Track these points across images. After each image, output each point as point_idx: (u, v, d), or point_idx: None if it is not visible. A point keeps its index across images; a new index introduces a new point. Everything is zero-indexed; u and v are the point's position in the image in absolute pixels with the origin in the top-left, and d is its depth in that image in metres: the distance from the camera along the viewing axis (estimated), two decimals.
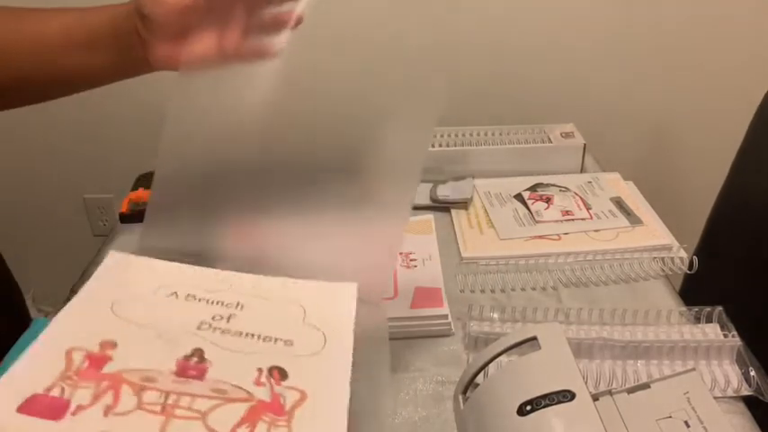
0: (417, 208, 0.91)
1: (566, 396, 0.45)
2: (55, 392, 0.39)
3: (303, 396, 0.43)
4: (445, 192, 0.93)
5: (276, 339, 0.47)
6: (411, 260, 0.78)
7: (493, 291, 0.75)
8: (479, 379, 0.55)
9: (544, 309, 0.69)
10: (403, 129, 0.55)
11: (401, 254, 0.79)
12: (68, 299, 0.60)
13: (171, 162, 0.57)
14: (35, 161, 1.42)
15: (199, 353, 0.44)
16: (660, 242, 0.81)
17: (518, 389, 0.47)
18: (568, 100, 1.29)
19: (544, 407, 0.45)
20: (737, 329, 0.64)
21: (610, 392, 0.55)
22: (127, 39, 0.53)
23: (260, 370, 0.43)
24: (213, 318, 0.48)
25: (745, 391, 0.59)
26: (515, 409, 0.46)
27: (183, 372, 0.42)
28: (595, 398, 0.51)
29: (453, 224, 0.87)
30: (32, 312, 0.89)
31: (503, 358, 0.55)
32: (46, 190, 1.45)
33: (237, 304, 0.50)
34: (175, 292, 0.51)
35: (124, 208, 0.91)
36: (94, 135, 1.38)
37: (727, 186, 0.92)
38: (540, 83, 1.28)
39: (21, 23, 0.56)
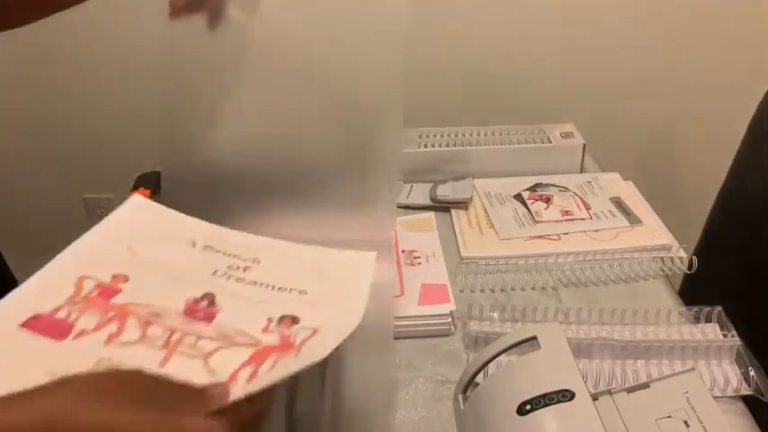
0: (417, 208, 0.91)
1: (565, 396, 0.45)
2: (61, 315, 0.39)
3: (314, 332, 0.41)
4: (445, 192, 0.93)
5: (291, 289, 0.46)
6: (415, 258, 0.78)
7: (493, 290, 0.75)
8: (479, 378, 0.55)
9: (544, 308, 0.69)
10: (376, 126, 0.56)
11: (404, 251, 0.80)
12: None
13: (174, 161, 0.58)
14: (35, 161, 1.42)
15: (209, 297, 0.43)
16: (660, 242, 0.81)
17: (518, 388, 0.47)
18: (568, 100, 1.29)
19: (544, 406, 0.45)
20: (737, 329, 0.64)
21: (609, 392, 0.55)
22: None
23: (269, 319, 0.42)
24: (229, 267, 0.47)
25: (745, 391, 0.59)
26: (515, 409, 0.46)
27: (190, 312, 0.41)
28: (595, 397, 0.51)
29: (453, 224, 0.87)
30: None
31: (502, 358, 0.55)
32: (46, 190, 1.45)
33: (254, 259, 0.49)
34: (194, 241, 0.50)
35: None
36: (94, 134, 1.38)
37: (727, 186, 0.92)
38: (540, 83, 1.28)
39: None
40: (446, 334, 0.68)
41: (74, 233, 0.65)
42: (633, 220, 0.85)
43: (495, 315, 0.69)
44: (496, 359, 0.53)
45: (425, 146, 0.99)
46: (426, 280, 0.74)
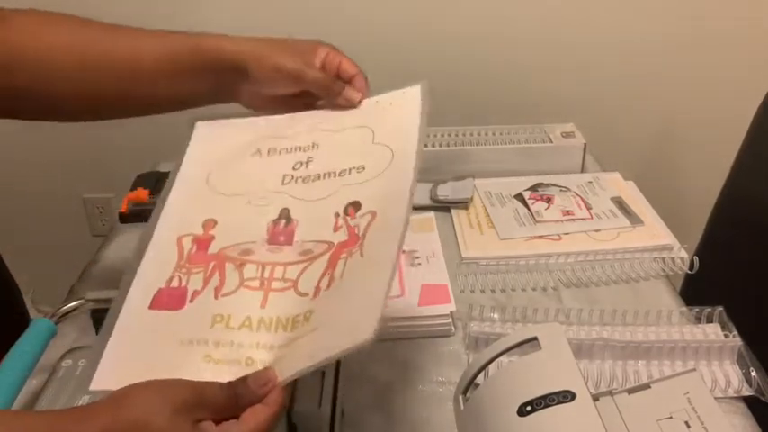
0: (418, 208, 0.91)
1: (566, 396, 0.45)
2: (174, 283, 0.46)
3: (373, 216, 0.48)
4: (445, 192, 0.93)
5: (350, 170, 0.53)
6: (415, 258, 0.78)
7: (493, 291, 0.75)
8: (480, 379, 0.55)
9: (544, 309, 0.69)
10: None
11: (404, 252, 0.79)
12: (69, 295, 0.60)
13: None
14: (35, 161, 1.42)
15: (285, 212, 0.50)
16: (661, 242, 0.81)
17: (518, 389, 0.47)
18: (568, 100, 1.28)
19: (544, 407, 0.45)
20: (738, 329, 0.64)
21: (610, 393, 0.54)
22: (212, 75, 0.57)
23: (336, 215, 0.49)
24: (294, 167, 0.54)
25: (746, 392, 0.59)
26: (516, 410, 0.46)
27: (274, 239, 0.48)
28: (596, 398, 0.51)
29: (453, 224, 0.87)
30: (32, 312, 0.89)
31: (503, 359, 0.54)
32: (45, 190, 1.45)
33: (313, 145, 0.56)
34: (258, 150, 0.56)
35: (124, 208, 0.91)
36: (94, 135, 1.38)
37: (728, 186, 0.92)
38: (540, 83, 1.28)
39: (115, 43, 0.59)
40: (446, 334, 0.68)
41: (74, 233, 0.65)
42: (634, 220, 0.85)
43: (496, 315, 0.68)
44: (497, 360, 0.53)
45: (426, 146, 0.99)
46: (426, 280, 0.74)
